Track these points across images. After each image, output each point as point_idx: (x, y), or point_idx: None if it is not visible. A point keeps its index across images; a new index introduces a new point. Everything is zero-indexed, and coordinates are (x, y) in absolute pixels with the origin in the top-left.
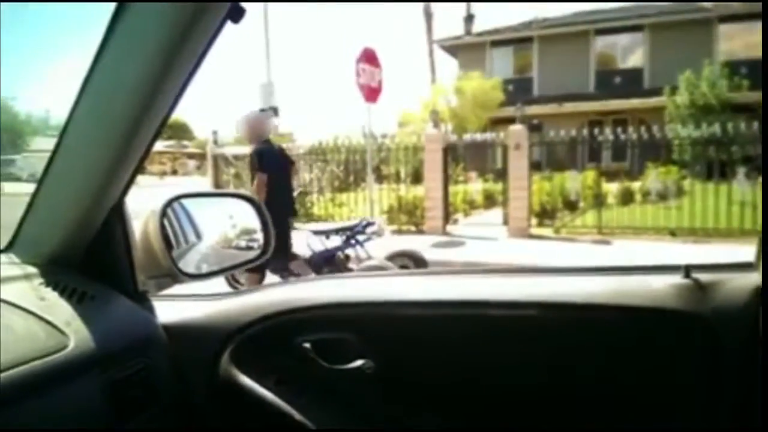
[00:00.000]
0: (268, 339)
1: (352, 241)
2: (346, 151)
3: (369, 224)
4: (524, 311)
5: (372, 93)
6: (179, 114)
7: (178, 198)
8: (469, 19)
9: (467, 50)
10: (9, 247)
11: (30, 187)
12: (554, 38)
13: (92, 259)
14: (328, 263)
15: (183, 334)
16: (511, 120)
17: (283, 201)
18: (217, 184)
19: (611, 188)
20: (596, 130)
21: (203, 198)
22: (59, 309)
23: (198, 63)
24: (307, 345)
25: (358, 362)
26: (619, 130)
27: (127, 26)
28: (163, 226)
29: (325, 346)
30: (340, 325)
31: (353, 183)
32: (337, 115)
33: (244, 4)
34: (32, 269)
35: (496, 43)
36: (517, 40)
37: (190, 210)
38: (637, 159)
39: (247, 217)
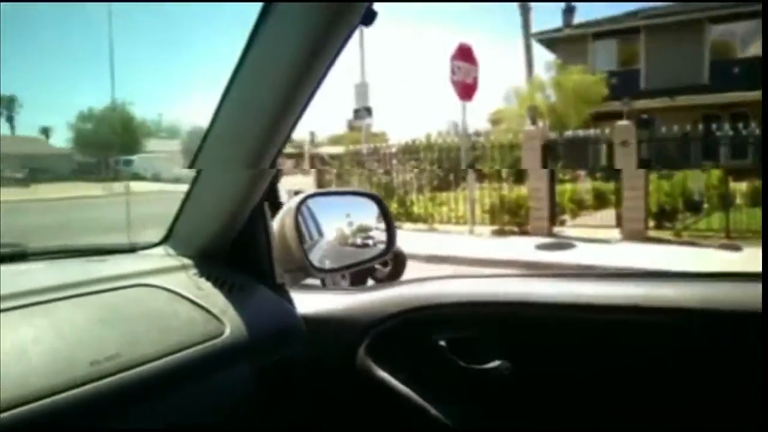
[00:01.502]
0: (404, 334)
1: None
2: (440, 150)
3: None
4: (650, 317)
5: (467, 90)
6: None
7: (310, 196)
8: (569, 11)
9: (567, 43)
10: (165, 240)
11: (149, 185)
12: (663, 28)
13: (237, 252)
14: None
15: (321, 325)
16: (615, 115)
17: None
18: (320, 183)
19: (739, 188)
20: (713, 125)
21: (331, 197)
22: (215, 298)
23: (332, 63)
24: (442, 342)
25: (495, 362)
26: (740, 125)
27: (272, 26)
28: (297, 223)
29: (459, 344)
30: (474, 324)
31: (453, 182)
32: (426, 112)
33: (376, 6)
34: (187, 261)
35: (598, 35)
36: (622, 31)
37: (312, 208)
38: (761, 156)
39: (365, 216)
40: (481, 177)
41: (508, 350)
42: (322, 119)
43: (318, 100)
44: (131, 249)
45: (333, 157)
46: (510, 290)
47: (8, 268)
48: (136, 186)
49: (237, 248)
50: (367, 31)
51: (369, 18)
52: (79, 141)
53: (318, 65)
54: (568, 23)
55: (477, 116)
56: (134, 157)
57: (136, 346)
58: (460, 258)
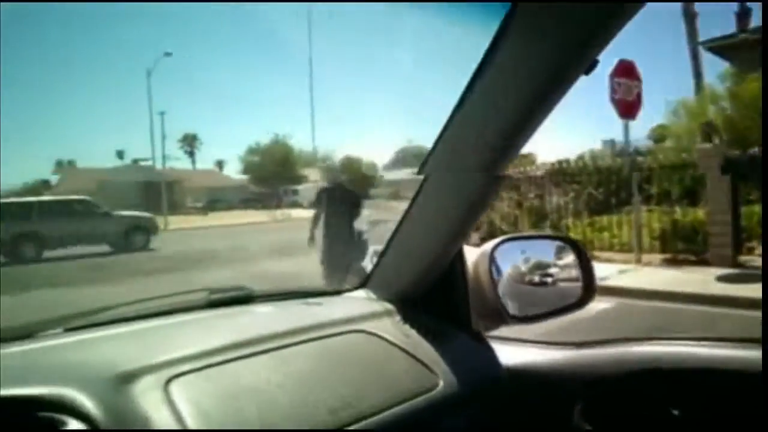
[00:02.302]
0: (629, 400)
1: None
2: (599, 171)
3: None
4: None
5: (630, 108)
6: (422, 140)
7: (505, 241)
8: (744, 14)
9: (743, 50)
10: (366, 283)
11: (306, 212)
12: None
13: (434, 297)
14: None
15: (528, 380)
16: None
17: (340, 232)
18: None
19: None
20: None
21: (525, 241)
22: (423, 347)
23: (586, 66)
24: (676, 412)
25: None
26: None
27: (522, 28)
28: (491, 268)
29: (696, 417)
30: (720, 396)
31: (614, 205)
32: (576, 131)
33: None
34: (389, 306)
35: None
36: None
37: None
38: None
39: (543, 256)
40: (646, 199)
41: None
42: None
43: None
44: (337, 292)
45: None
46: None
47: (241, 310)
48: (295, 213)
49: (434, 293)
50: None
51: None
52: (249, 172)
53: (573, 68)
54: (743, 28)
55: (635, 133)
56: (300, 187)
57: (363, 396)
58: (628, 289)
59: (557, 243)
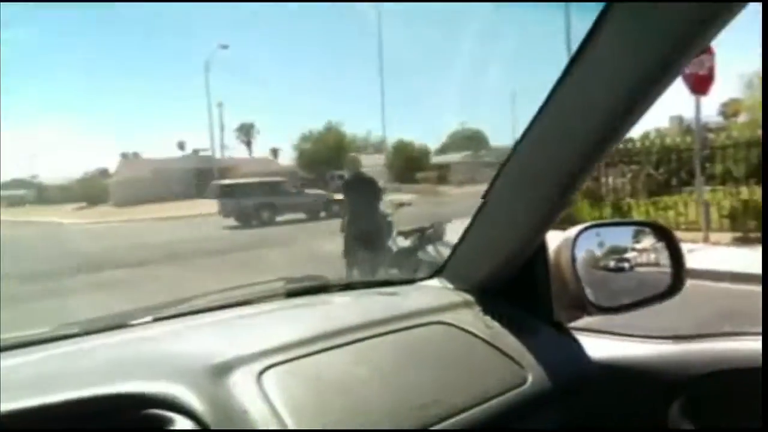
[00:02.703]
0: (734, 398)
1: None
2: (663, 149)
3: (430, 228)
4: None
5: (702, 83)
6: (474, 122)
7: (589, 227)
8: None
9: None
10: (440, 272)
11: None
12: None
13: (513, 287)
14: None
15: (618, 374)
16: None
17: (365, 217)
18: None
19: None
20: None
21: (610, 227)
22: (506, 339)
23: (689, 57)
24: None
25: None
26: None
27: (619, 27)
28: (574, 257)
29: None
30: None
31: (675, 185)
32: None
33: None
34: (468, 296)
35: None
36: None
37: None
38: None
39: (619, 241)
40: (709, 179)
41: None
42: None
43: (518, 103)
44: (410, 281)
45: None
46: None
47: (318, 300)
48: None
49: (514, 281)
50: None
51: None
52: (301, 159)
53: (670, 72)
54: None
55: (705, 109)
56: (345, 172)
57: (452, 391)
58: (698, 271)
59: (639, 228)
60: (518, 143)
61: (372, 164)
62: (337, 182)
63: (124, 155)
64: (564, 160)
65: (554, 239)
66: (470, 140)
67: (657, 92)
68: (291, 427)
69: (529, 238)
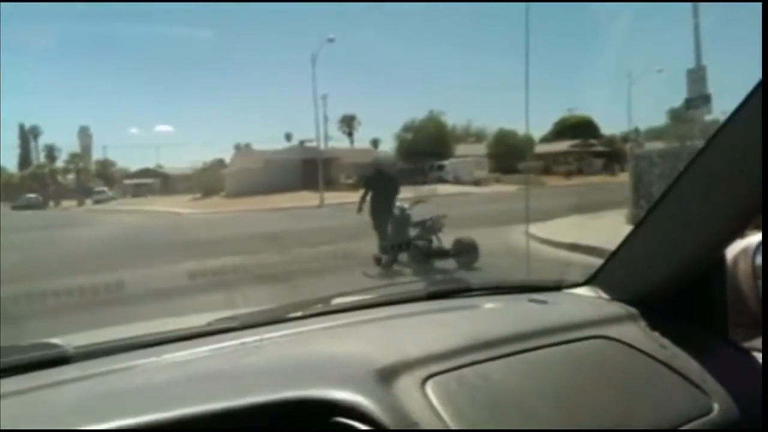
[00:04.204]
0: None
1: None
2: None
3: (429, 220)
4: None
5: None
6: (585, 110)
7: None
8: None
9: None
10: (591, 280)
11: (449, 188)
12: None
13: (683, 299)
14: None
15: None
16: None
17: (384, 208)
18: (636, 185)
19: None
20: None
21: None
22: (683, 359)
23: None
24: None
25: None
26: None
27: None
28: (755, 268)
29: None
30: None
31: None
32: None
33: None
34: (630, 309)
35: None
36: None
37: None
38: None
39: None
40: None
41: None
42: (643, 115)
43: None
44: (556, 287)
45: (663, 156)
46: None
47: (463, 303)
48: (442, 189)
49: (684, 294)
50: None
51: None
52: (401, 149)
53: None
54: None
55: None
56: (446, 162)
57: (632, 416)
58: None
59: None
60: (713, 137)
61: (472, 154)
62: (437, 172)
63: (237, 147)
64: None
65: None
66: (579, 128)
67: None
68: None
69: (713, 246)
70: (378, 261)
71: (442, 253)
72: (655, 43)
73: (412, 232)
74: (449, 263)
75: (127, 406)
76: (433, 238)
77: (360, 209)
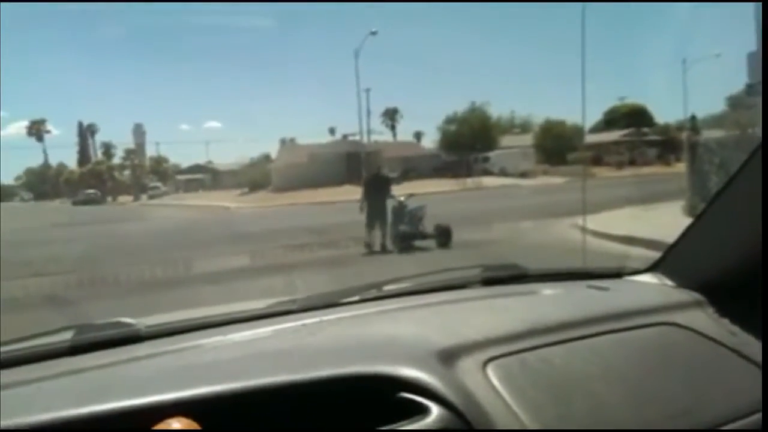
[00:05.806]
0: None
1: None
2: None
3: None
4: None
5: None
6: (637, 98)
7: None
8: None
9: None
10: (654, 268)
11: (495, 180)
12: None
13: (749, 286)
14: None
15: None
16: None
17: (380, 204)
18: (693, 176)
19: None
20: None
21: None
22: (754, 347)
23: None
24: None
25: None
26: None
27: None
28: None
29: None
30: None
31: None
32: None
33: None
34: (697, 295)
35: None
36: None
37: None
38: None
39: None
40: None
41: None
42: (700, 102)
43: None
44: (617, 274)
45: (722, 145)
46: None
47: (520, 289)
48: (487, 181)
49: (751, 280)
50: None
51: None
52: (444, 142)
53: None
54: None
55: None
56: (491, 154)
57: (700, 405)
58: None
59: None
60: None
61: (517, 145)
62: (482, 165)
63: (283, 141)
64: None
65: None
66: (631, 117)
67: None
68: (530, 425)
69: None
70: (368, 246)
71: (425, 236)
72: (711, 26)
73: (405, 220)
74: (430, 243)
75: (201, 378)
76: (418, 224)
77: (362, 208)
